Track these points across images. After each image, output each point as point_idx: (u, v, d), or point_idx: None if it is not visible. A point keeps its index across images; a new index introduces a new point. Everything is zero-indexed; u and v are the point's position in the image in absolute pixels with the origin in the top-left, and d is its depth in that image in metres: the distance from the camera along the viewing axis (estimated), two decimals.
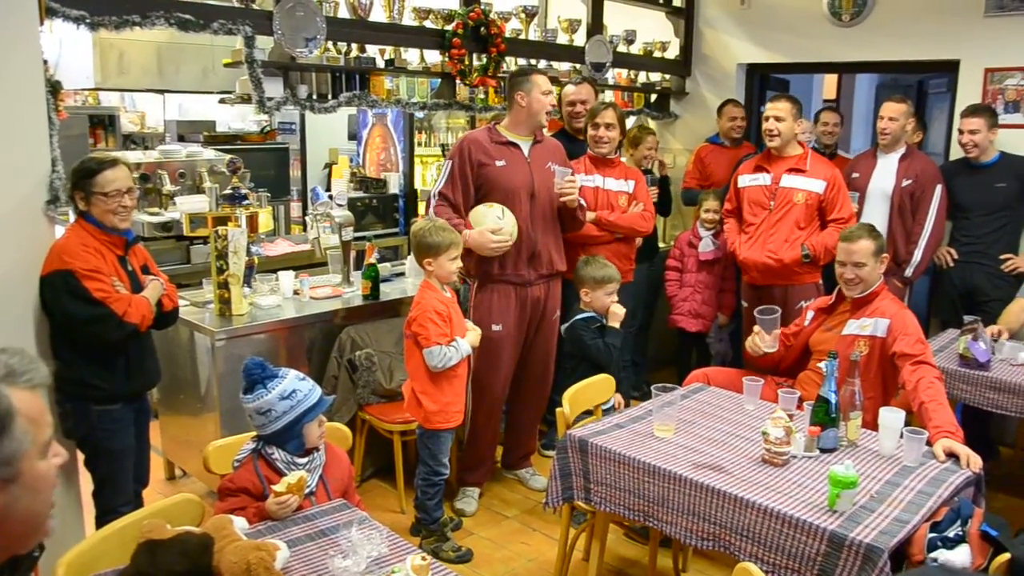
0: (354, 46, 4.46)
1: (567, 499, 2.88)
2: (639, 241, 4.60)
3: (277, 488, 2.24)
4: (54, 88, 3.04)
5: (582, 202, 3.95)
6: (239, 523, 2.11)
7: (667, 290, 5.06)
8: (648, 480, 2.58)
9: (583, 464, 2.77)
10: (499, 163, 3.78)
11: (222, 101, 4.65)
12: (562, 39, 5.29)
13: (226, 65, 4.29)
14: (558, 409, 3.04)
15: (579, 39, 5.37)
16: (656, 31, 5.98)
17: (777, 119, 4.19)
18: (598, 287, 3.67)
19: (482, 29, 4.66)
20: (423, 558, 1.90)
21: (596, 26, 5.45)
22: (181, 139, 6.65)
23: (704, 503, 2.45)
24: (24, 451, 1.20)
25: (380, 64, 4.58)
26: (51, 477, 1.28)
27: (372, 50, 4.59)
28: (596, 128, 4.29)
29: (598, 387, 3.31)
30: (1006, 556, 2.11)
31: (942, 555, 2.17)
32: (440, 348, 3.26)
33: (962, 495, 2.49)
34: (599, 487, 2.74)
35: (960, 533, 2.23)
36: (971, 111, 4.56)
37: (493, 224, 3.66)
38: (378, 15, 4.37)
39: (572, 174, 3.85)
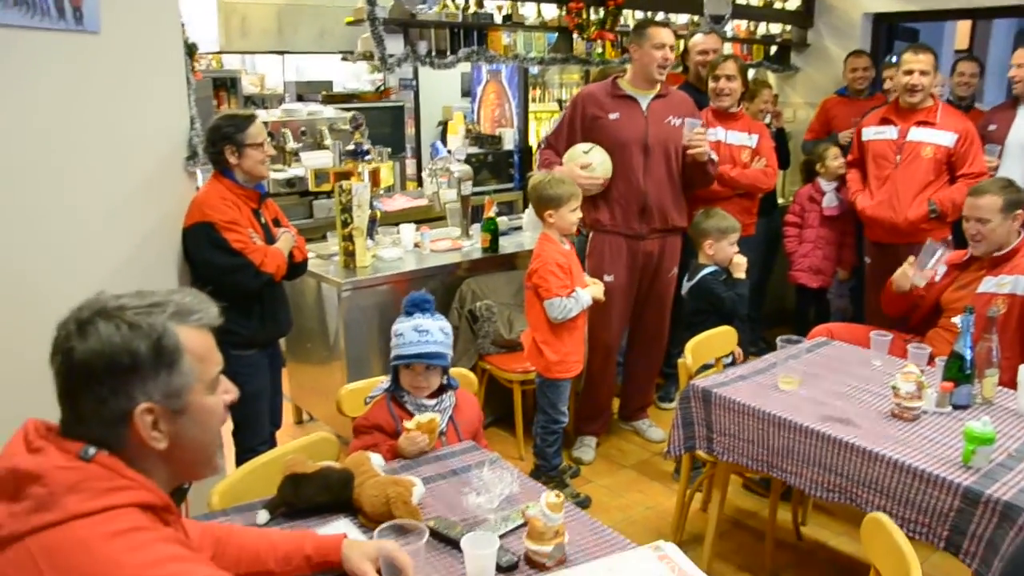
0: (472, 2, 4.49)
1: (688, 448, 2.90)
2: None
3: (408, 424, 2.32)
4: (191, 50, 3.18)
5: (713, 156, 3.88)
6: (376, 460, 2.20)
7: (786, 246, 4.97)
8: (773, 431, 2.58)
9: (706, 414, 2.78)
10: (612, 116, 3.78)
11: (344, 59, 4.77)
12: None
13: (348, 23, 4.39)
14: (680, 360, 3.05)
15: None
16: None
17: (923, 72, 4.02)
18: (723, 237, 3.64)
19: None
20: (556, 495, 1.95)
21: None
22: (300, 99, 6.85)
23: (831, 455, 2.43)
24: (191, 385, 1.29)
25: (498, 19, 4.62)
26: (219, 411, 1.37)
27: (490, 5, 4.63)
28: (717, 80, 4.22)
29: (720, 339, 3.31)
30: None
31: None
32: (560, 300, 3.31)
33: None
34: (722, 437, 2.75)
35: None
36: None
37: (581, 159, 3.68)
38: None
39: (703, 126, 3.81)
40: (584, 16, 4.67)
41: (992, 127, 4.52)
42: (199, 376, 1.31)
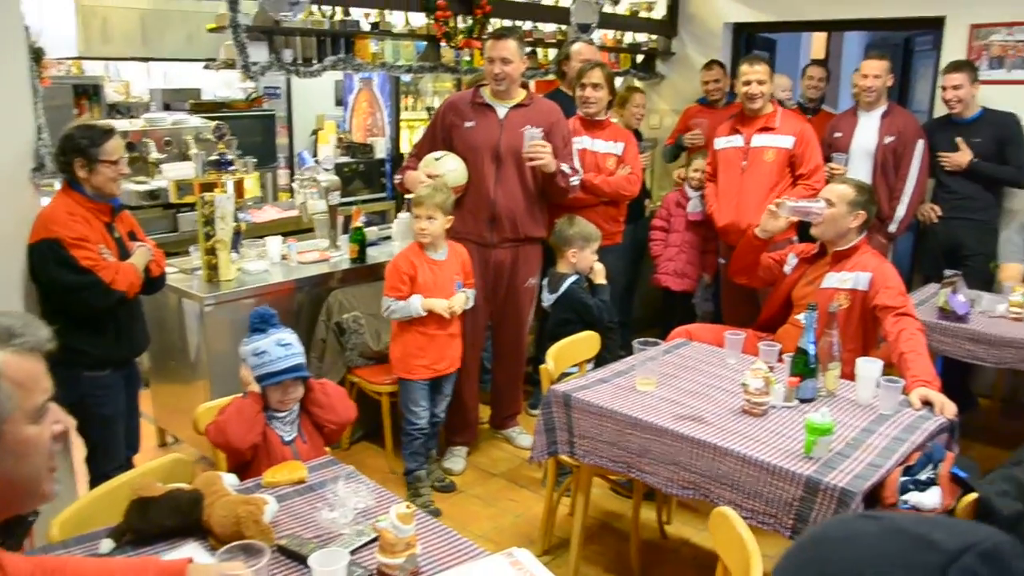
0: (338, 9, 4.44)
1: (552, 453, 2.92)
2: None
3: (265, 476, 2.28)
4: (37, 55, 3.04)
5: (564, 168, 3.86)
6: (228, 479, 2.15)
7: (652, 249, 5.09)
8: (630, 432, 2.63)
9: (567, 418, 2.82)
10: (468, 124, 3.80)
11: (206, 67, 4.64)
12: (548, 0, 5.27)
13: (210, 30, 4.28)
14: (542, 366, 3.08)
15: (565, 0, 5.35)
16: None
17: (759, 82, 4.23)
18: (587, 245, 3.70)
19: None
20: (407, 506, 1.94)
21: None
22: (167, 108, 6.62)
23: (685, 453, 2.50)
24: (9, 414, 1.21)
25: (365, 27, 4.57)
26: (41, 443, 1.28)
27: (357, 13, 4.57)
28: (583, 88, 4.27)
29: (583, 344, 3.35)
30: (973, 496, 2.17)
31: (913, 497, 2.23)
32: (387, 299, 3.47)
33: (936, 440, 2.55)
34: (583, 440, 2.79)
35: (932, 476, 2.28)
36: (953, 67, 4.59)
37: (430, 168, 3.71)
38: None
39: (542, 137, 3.76)
40: (452, 25, 4.67)
41: (838, 134, 4.76)
42: (18, 404, 1.22)
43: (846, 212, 3.29)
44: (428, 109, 6.39)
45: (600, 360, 3.48)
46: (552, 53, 5.38)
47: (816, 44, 8.26)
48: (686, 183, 4.99)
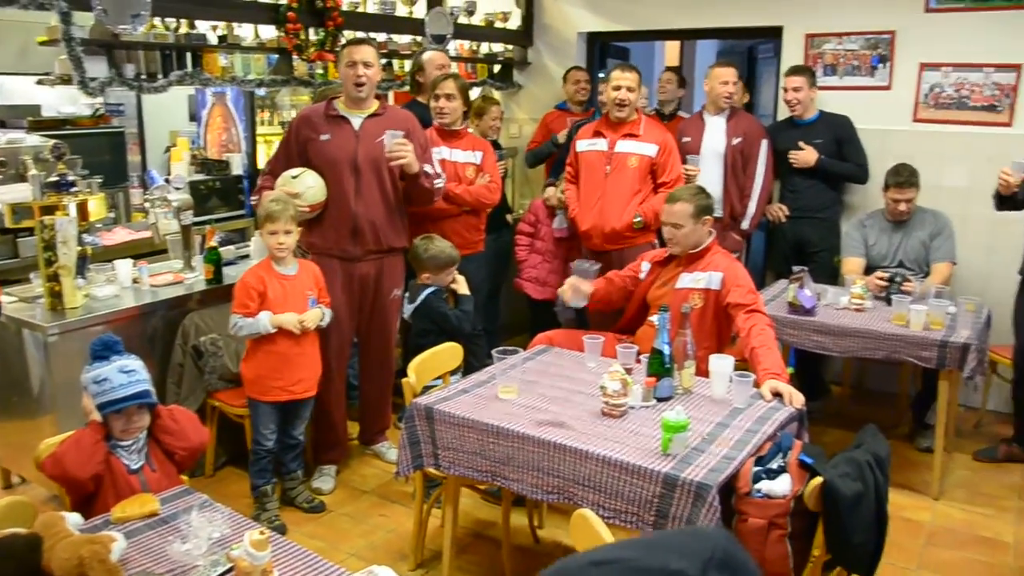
0: (183, 22, 4.30)
1: (417, 467, 2.91)
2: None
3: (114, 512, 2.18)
4: None
5: (427, 169, 3.85)
6: (72, 519, 2.04)
7: (517, 254, 5.13)
8: (493, 441, 2.64)
9: (430, 431, 2.81)
10: (323, 137, 3.74)
11: (40, 82, 4.40)
12: (401, 11, 5.25)
13: (41, 43, 4.06)
14: (404, 380, 3.06)
15: (419, 11, 5.34)
16: (497, 2, 6.01)
17: (629, 89, 4.32)
18: (439, 272, 3.70)
19: (317, 2, 4.57)
20: (261, 532, 1.88)
21: None
22: (2, 125, 6.24)
23: (547, 458, 2.53)
24: None
25: (212, 40, 4.44)
26: None
27: (203, 26, 4.44)
28: (437, 99, 4.29)
29: (445, 356, 3.35)
30: (819, 480, 2.28)
31: (765, 485, 2.32)
32: (233, 316, 3.39)
33: (786, 430, 2.67)
34: (447, 452, 2.78)
35: (782, 464, 2.39)
36: (793, 70, 4.89)
37: (288, 185, 3.63)
38: None
39: (405, 136, 3.73)
40: (303, 37, 4.59)
41: (686, 139, 4.95)
42: None
43: (693, 226, 3.41)
44: (282, 124, 6.25)
45: (468, 369, 3.49)
46: (408, 65, 5.36)
47: (670, 52, 8.55)
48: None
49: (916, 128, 4.97)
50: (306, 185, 3.64)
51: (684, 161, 4.78)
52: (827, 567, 2.48)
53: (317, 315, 3.51)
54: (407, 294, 3.73)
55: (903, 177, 4.36)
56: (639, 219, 4.32)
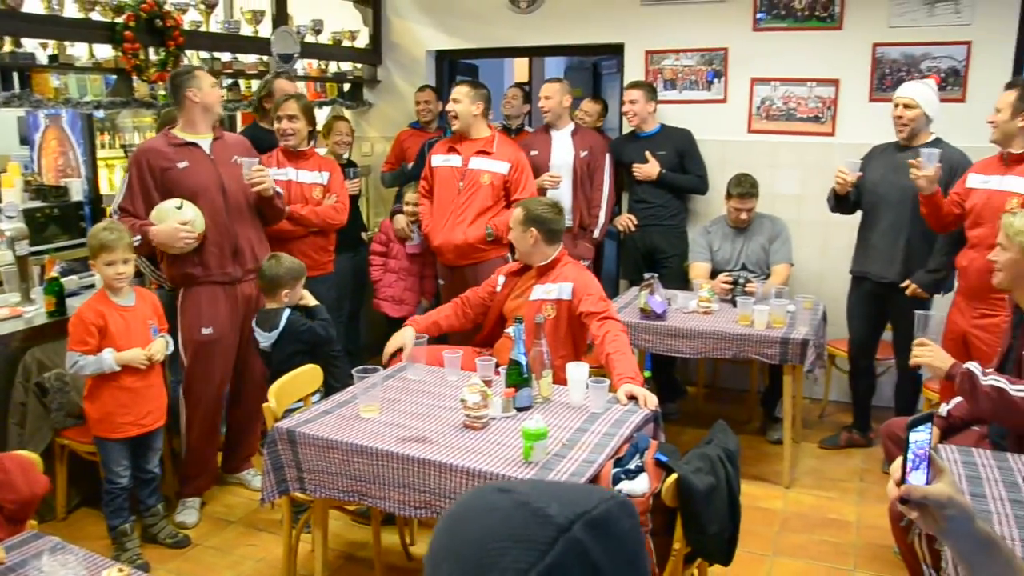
0: (7, 40, 4.07)
1: (283, 492, 2.85)
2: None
3: None
4: None
5: (278, 190, 3.90)
6: None
7: (371, 275, 5.13)
8: (358, 460, 2.63)
9: (294, 454, 2.77)
10: (181, 165, 3.66)
11: None
12: (246, 31, 5.15)
13: None
14: (264, 404, 3.00)
15: (264, 30, 5.25)
16: (344, 20, 5.98)
17: (455, 101, 4.41)
18: (297, 282, 3.65)
19: (157, 21, 4.43)
20: (120, 571, 1.82)
21: (281, 16, 5.35)
22: None
23: (412, 474, 2.54)
24: None
25: (42, 59, 4.23)
26: None
27: (31, 44, 4.22)
28: (279, 120, 4.25)
29: (305, 378, 3.30)
30: (675, 476, 2.38)
31: (625, 486, 2.41)
32: (72, 354, 3.24)
33: (642, 431, 2.78)
34: (312, 474, 2.75)
35: (640, 464, 2.49)
36: (631, 85, 5.12)
37: (178, 216, 3.55)
38: (34, 5, 4.01)
39: (259, 162, 3.79)
40: (142, 57, 4.43)
41: (534, 152, 5.07)
42: None
43: (521, 232, 3.52)
44: (124, 147, 6.00)
45: (330, 391, 3.44)
46: (256, 84, 5.26)
47: (519, 67, 8.71)
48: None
49: (751, 139, 5.27)
50: (191, 216, 3.57)
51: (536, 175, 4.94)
52: (688, 560, 2.59)
53: (163, 345, 3.41)
54: (257, 323, 3.63)
55: (744, 188, 4.61)
56: (490, 230, 4.40)
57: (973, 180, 3.77)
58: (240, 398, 4.04)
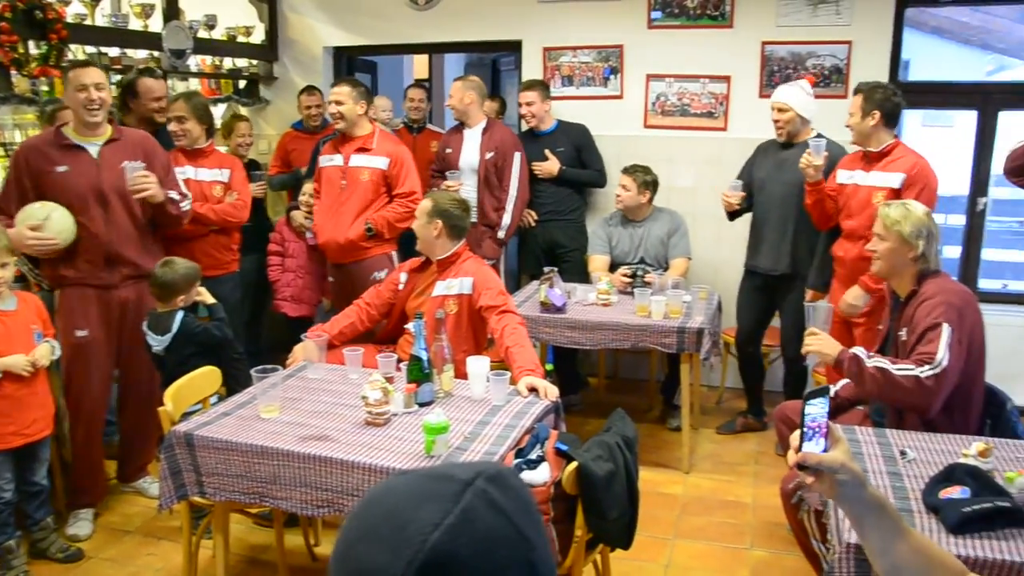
0: None
1: (181, 497, 2.79)
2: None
3: None
4: None
5: (172, 195, 3.75)
6: None
7: (269, 275, 5.07)
8: (258, 461, 2.60)
9: (192, 458, 2.71)
10: (60, 169, 3.51)
11: None
12: (135, 24, 4.99)
13: None
14: (160, 408, 2.93)
15: (155, 24, 5.10)
16: (238, 16, 5.86)
17: (337, 103, 4.38)
18: (192, 286, 3.57)
19: (37, 13, 4.25)
20: None
21: (172, 11, 5.20)
22: None
23: (314, 472, 2.53)
24: None
25: None
26: None
27: None
28: (170, 122, 4.14)
29: (202, 380, 3.23)
30: (575, 464, 2.43)
31: (527, 475, 2.45)
32: None
33: (543, 422, 2.82)
34: (212, 478, 2.70)
35: (540, 454, 2.53)
36: (526, 86, 5.17)
37: (32, 221, 3.39)
38: None
39: (146, 161, 3.63)
40: (22, 51, 4.25)
41: (448, 150, 5.09)
42: None
43: (426, 223, 3.54)
44: (5, 145, 5.72)
45: (230, 392, 3.38)
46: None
47: (419, 65, 8.68)
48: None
49: (647, 133, 5.40)
50: (57, 229, 3.41)
51: (442, 175, 4.98)
52: (590, 546, 2.65)
53: (47, 350, 3.28)
54: (149, 326, 3.53)
55: (630, 167, 4.76)
56: (369, 226, 4.38)
57: (841, 176, 4.03)
58: (127, 405, 3.93)
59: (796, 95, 4.32)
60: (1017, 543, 2.07)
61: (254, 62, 6.04)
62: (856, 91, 3.96)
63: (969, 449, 2.51)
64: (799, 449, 1.43)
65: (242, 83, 6.05)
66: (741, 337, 4.71)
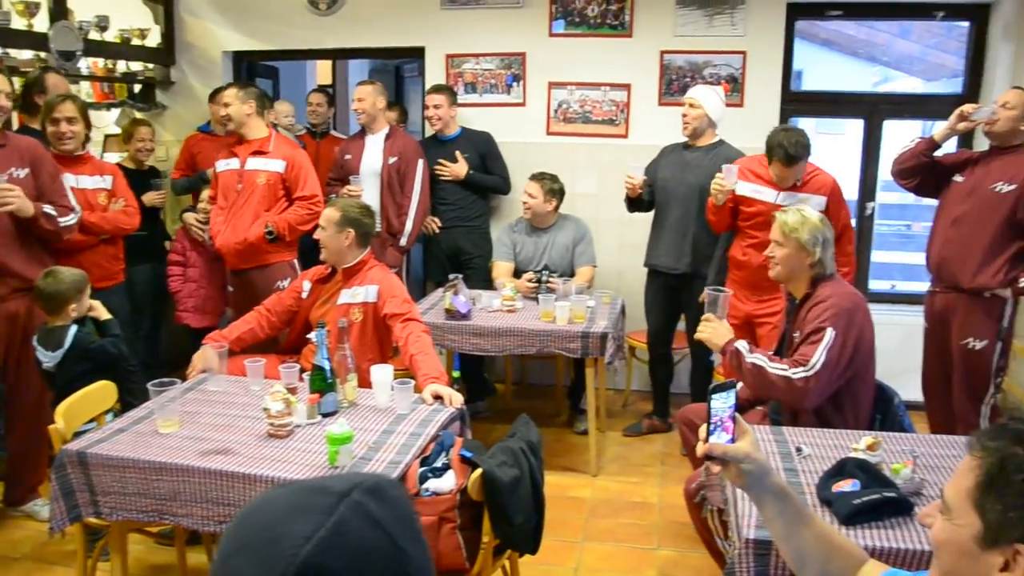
0: None
1: (75, 519, 2.68)
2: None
3: None
4: None
5: (47, 209, 3.57)
6: None
7: (170, 285, 4.92)
8: (156, 478, 2.52)
9: (86, 477, 2.61)
10: None
11: None
12: (18, 23, 4.78)
13: None
14: (51, 427, 2.81)
15: (40, 23, 4.89)
16: (133, 18, 5.68)
17: (225, 105, 4.36)
18: (82, 294, 3.44)
19: None
20: None
21: (60, 10, 4.99)
22: None
23: (215, 488, 2.47)
24: None
25: None
26: None
27: None
28: (56, 124, 3.90)
29: (96, 395, 3.12)
30: (479, 471, 2.44)
31: (433, 484, 2.46)
32: None
33: (448, 429, 2.82)
34: (107, 497, 2.61)
35: (446, 462, 2.54)
36: (433, 89, 5.17)
37: None
38: None
39: (25, 178, 3.49)
40: None
41: (348, 156, 5.04)
42: None
43: (335, 231, 3.50)
44: None
45: (127, 408, 3.26)
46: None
47: (322, 70, 8.56)
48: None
49: (549, 140, 5.46)
50: None
51: (345, 181, 4.92)
52: (498, 552, 2.66)
53: None
54: (39, 340, 3.38)
55: (536, 174, 4.82)
56: (270, 229, 4.32)
57: (745, 188, 4.10)
58: (16, 424, 3.75)
59: (709, 96, 4.44)
60: (903, 531, 2.18)
61: (150, 66, 5.85)
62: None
63: (859, 444, 2.63)
64: (707, 440, 1.50)
65: (137, 87, 5.86)
66: (651, 338, 4.81)
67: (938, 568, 1.25)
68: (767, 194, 3.98)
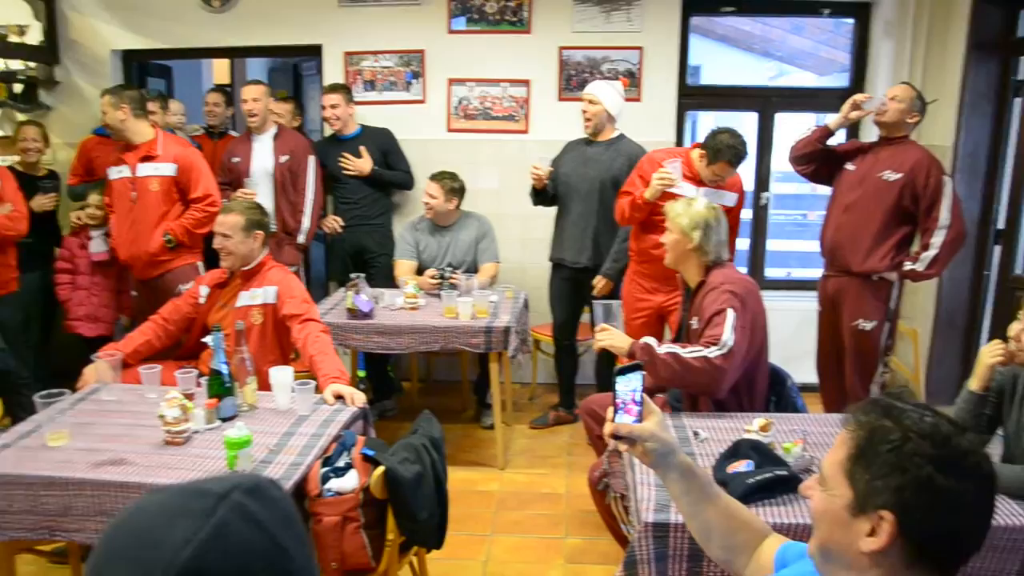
0: None
1: None
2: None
3: None
4: None
5: None
6: None
7: (59, 294, 4.73)
8: (46, 493, 2.43)
9: None
10: None
11: None
12: None
13: None
14: None
15: None
16: (9, 13, 5.43)
17: (103, 113, 4.25)
18: None
19: None
20: None
21: None
22: None
23: (110, 500, 2.40)
24: None
25: None
26: None
27: None
28: None
29: None
30: (382, 468, 2.44)
31: (335, 484, 2.44)
32: None
33: (351, 429, 2.81)
34: None
35: (348, 461, 2.52)
36: (329, 88, 5.11)
37: None
38: None
39: None
40: None
41: (236, 159, 4.95)
42: None
43: (244, 238, 3.44)
44: None
45: (16, 423, 3.14)
46: None
47: (219, 69, 8.35)
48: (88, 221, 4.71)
49: (450, 137, 5.47)
50: None
51: (231, 185, 4.86)
52: (404, 548, 2.67)
53: None
54: None
55: (436, 173, 4.81)
56: (168, 237, 4.24)
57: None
58: None
59: (608, 92, 4.50)
60: (794, 507, 2.28)
61: (32, 64, 5.61)
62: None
63: (752, 425, 2.72)
64: (613, 420, 1.54)
65: (17, 87, 5.61)
66: (557, 330, 4.86)
67: (817, 538, 1.32)
68: (689, 190, 4.08)
